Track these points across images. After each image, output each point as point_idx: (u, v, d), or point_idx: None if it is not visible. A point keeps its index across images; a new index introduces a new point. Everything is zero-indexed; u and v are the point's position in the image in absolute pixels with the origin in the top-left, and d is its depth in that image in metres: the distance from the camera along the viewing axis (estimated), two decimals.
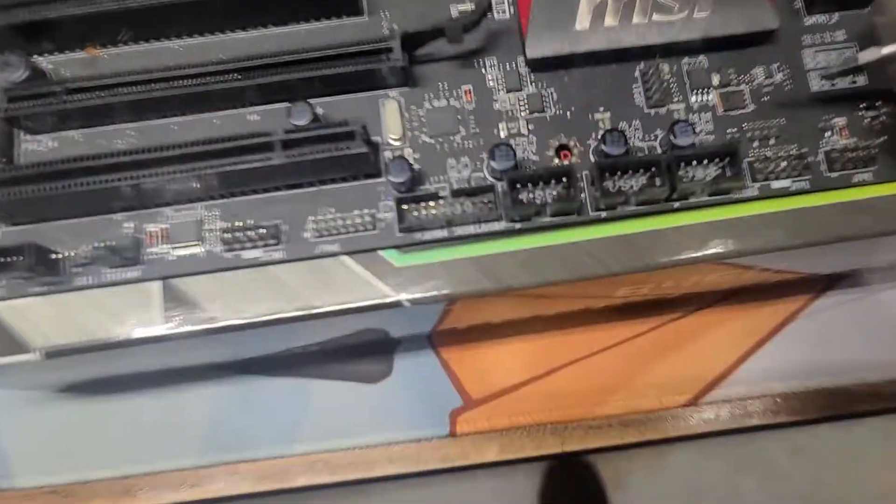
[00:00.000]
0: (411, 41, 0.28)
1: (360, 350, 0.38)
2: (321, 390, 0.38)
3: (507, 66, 0.29)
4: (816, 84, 0.29)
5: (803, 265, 0.35)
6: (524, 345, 0.38)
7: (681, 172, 0.27)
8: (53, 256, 0.27)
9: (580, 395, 0.38)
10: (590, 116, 0.29)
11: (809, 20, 0.30)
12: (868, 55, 0.26)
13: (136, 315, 0.28)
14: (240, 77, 0.27)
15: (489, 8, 0.27)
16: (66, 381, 0.38)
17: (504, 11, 0.30)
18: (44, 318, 0.28)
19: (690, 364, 0.38)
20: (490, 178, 0.28)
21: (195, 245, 0.28)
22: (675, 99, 0.29)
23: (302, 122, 0.27)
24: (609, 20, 0.28)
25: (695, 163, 0.27)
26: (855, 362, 0.38)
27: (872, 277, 0.38)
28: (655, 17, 0.28)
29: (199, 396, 0.38)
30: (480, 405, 0.38)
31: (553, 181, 0.27)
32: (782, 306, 0.38)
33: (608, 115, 0.29)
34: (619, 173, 0.27)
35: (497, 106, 0.29)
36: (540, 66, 0.29)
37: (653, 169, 0.27)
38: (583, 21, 0.28)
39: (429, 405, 0.38)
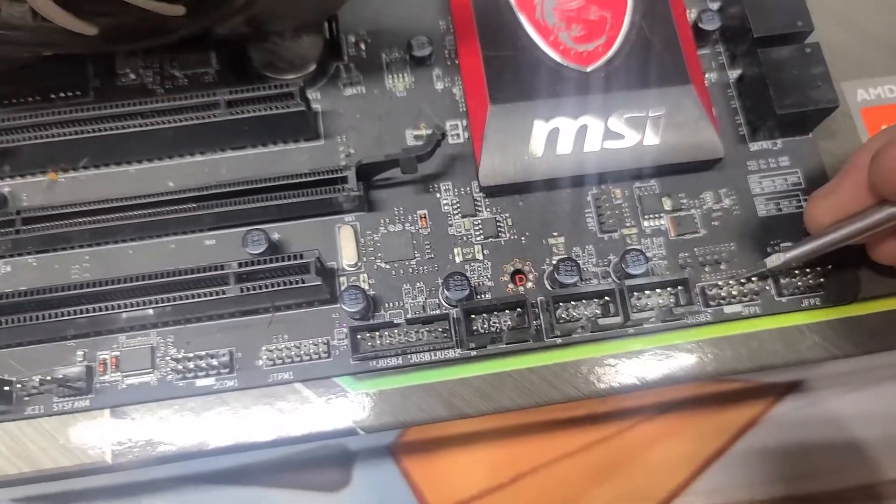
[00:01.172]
0: (366, 171, 0.28)
1: (319, 459, 0.38)
2: (280, 500, 0.37)
3: (462, 191, 0.30)
4: (763, 208, 0.30)
5: (760, 376, 0.35)
6: (487, 452, 0.38)
7: (634, 301, 0.27)
8: (6, 388, 0.27)
9: None
10: (544, 241, 0.29)
11: (754, 146, 0.30)
12: (774, 260, 0.27)
13: (85, 445, 0.27)
14: (195, 206, 0.28)
15: (443, 138, 0.28)
16: (23, 493, 0.37)
17: (458, 136, 0.30)
18: None
19: (652, 472, 0.38)
20: (445, 306, 0.28)
21: (148, 373, 0.28)
22: (628, 224, 0.29)
23: (257, 250, 0.27)
24: (562, 147, 0.29)
25: (647, 291, 0.28)
26: (816, 468, 0.38)
27: (825, 383, 0.38)
28: (607, 144, 0.29)
29: None
30: None
31: (507, 310, 0.27)
32: (742, 412, 0.38)
33: (562, 239, 0.29)
34: (572, 302, 0.27)
35: (452, 231, 0.29)
36: (494, 191, 0.29)
37: (606, 298, 0.27)
38: (536, 149, 0.29)
39: None
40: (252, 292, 0.26)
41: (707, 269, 0.29)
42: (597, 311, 0.28)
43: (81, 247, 0.29)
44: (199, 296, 0.26)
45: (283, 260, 0.26)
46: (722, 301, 0.28)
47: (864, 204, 0.25)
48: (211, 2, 0.27)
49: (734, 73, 0.31)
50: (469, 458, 0.38)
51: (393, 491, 0.37)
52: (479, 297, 0.28)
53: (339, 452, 0.38)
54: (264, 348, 0.28)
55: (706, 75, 0.31)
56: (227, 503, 0.38)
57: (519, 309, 0.27)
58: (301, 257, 0.26)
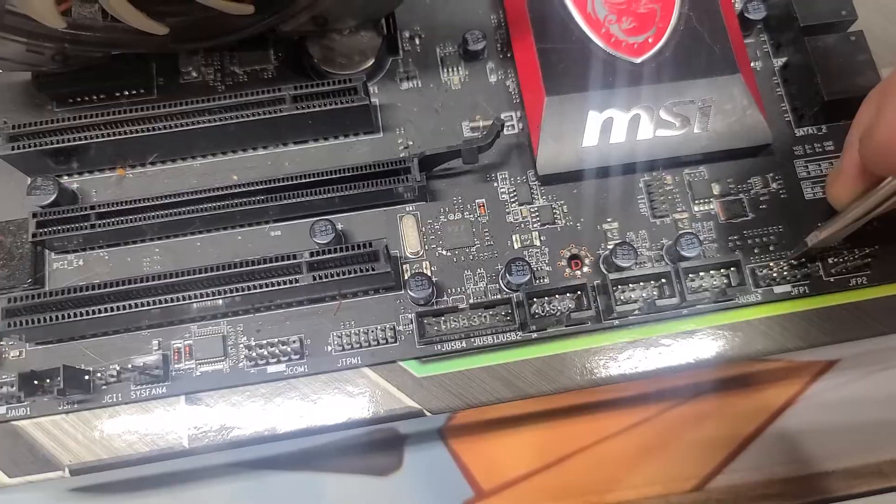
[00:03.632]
0: (428, 161, 0.29)
1: (371, 443, 0.39)
2: (334, 484, 0.39)
3: (519, 180, 0.31)
4: (810, 191, 0.31)
5: (800, 355, 0.36)
6: (533, 434, 0.39)
7: (687, 283, 0.28)
8: (86, 378, 0.28)
9: (589, 483, 0.39)
10: (598, 227, 0.30)
11: (800, 132, 0.31)
12: (812, 238, 0.27)
13: (163, 431, 0.28)
14: (262, 199, 0.29)
15: (501, 129, 0.29)
16: (80, 483, 0.38)
17: (514, 127, 0.31)
18: (71, 435, 0.28)
19: (695, 449, 0.39)
20: (506, 290, 0.29)
21: (220, 361, 0.29)
22: (679, 209, 0.30)
23: (325, 240, 0.28)
24: (615, 137, 0.30)
25: (701, 273, 0.29)
26: (856, 443, 0.39)
27: (864, 361, 0.39)
28: (659, 133, 0.30)
29: (215, 494, 0.38)
30: (492, 496, 0.38)
31: (567, 293, 0.28)
32: (782, 390, 0.39)
33: (616, 225, 0.30)
34: (630, 285, 0.28)
35: (510, 218, 0.30)
36: (550, 180, 0.30)
37: (662, 280, 0.28)
38: (591, 138, 0.29)
39: (440, 497, 0.38)
40: (324, 280, 0.27)
41: (756, 250, 0.30)
42: (653, 293, 0.28)
43: (152, 240, 0.30)
44: (269, 285, 0.27)
45: (352, 249, 0.27)
46: (772, 281, 0.29)
47: (869, 179, 0.25)
48: (278, 0, 0.27)
49: (779, 61, 0.32)
50: (517, 440, 0.39)
51: (444, 473, 0.38)
52: (537, 281, 0.29)
53: (390, 436, 0.39)
54: (333, 334, 0.29)
55: (752, 63, 0.32)
56: (279, 488, 0.39)
57: (578, 292, 0.28)
58: (370, 246, 0.27)
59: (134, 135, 0.29)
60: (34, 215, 0.28)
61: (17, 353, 0.29)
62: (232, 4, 0.27)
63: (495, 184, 0.31)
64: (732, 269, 0.29)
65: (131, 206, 0.29)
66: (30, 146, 0.28)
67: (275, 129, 0.30)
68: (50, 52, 0.28)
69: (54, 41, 0.27)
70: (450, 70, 0.32)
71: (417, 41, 0.32)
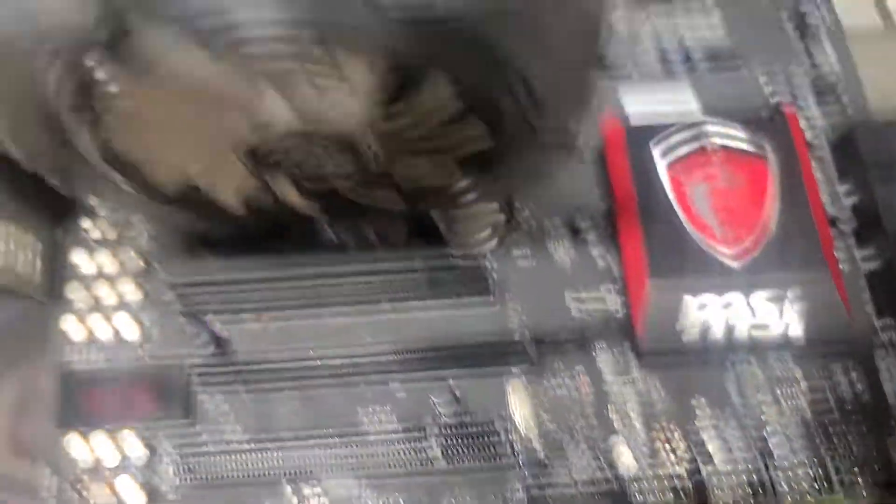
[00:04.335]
0: (542, 340, 0.33)
1: None
2: None
3: (616, 352, 0.34)
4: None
5: None
6: None
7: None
8: None
9: None
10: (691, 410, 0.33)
11: (885, 336, 0.34)
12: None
13: None
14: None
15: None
16: None
17: (614, 302, 0.35)
18: None
19: None
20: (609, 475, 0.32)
21: None
22: (766, 400, 0.33)
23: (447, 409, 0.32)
24: (711, 326, 0.33)
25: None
26: None
27: None
28: (753, 331, 0.33)
29: None
30: None
31: None
32: None
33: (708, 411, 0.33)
34: None
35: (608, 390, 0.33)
36: (649, 356, 0.33)
37: None
38: (689, 324, 0.33)
39: None
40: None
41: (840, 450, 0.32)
42: None
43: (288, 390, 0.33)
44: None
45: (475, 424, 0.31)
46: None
47: None
48: (428, 197, 0.31)
49: (863, 261, 0.35)
50: None
51: None
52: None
53: None
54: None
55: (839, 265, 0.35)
56: None
57: None
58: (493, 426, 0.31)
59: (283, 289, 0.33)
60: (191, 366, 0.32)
61: None
62: (380, 196, 0.30)
63: (594, 353, 0.34)
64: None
65: (278, 366, 0.33)
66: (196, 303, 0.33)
67: (400, 294, 0.34)
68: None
69: (225, 218, 0.31)
70: (557, 244, 0.35)
71: (529, 214, 0.36)
